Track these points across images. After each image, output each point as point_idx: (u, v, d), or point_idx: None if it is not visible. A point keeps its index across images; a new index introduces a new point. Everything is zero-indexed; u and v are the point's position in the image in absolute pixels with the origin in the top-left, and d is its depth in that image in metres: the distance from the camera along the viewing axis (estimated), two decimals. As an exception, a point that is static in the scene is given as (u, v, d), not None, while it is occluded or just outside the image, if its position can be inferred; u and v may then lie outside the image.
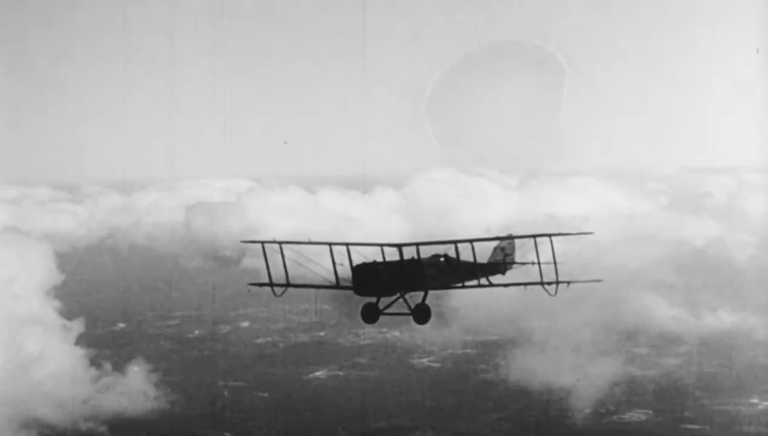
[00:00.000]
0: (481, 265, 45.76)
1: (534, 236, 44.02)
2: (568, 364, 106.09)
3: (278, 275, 46.82)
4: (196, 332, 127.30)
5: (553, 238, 43.74)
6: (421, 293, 44.12)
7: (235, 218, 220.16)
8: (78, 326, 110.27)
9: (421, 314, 44.09)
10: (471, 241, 43.64)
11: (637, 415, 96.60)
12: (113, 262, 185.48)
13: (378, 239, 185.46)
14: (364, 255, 42.16)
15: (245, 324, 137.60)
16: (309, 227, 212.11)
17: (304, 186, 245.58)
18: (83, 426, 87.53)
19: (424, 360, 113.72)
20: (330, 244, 43.19)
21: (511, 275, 46.97)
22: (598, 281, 51.84)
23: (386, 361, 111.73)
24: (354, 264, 42.40)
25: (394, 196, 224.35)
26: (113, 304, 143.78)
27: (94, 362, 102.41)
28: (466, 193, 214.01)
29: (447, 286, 44.44)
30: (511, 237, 47.00)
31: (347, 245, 42.82)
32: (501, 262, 46.99)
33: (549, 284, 43.41)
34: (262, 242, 44.37)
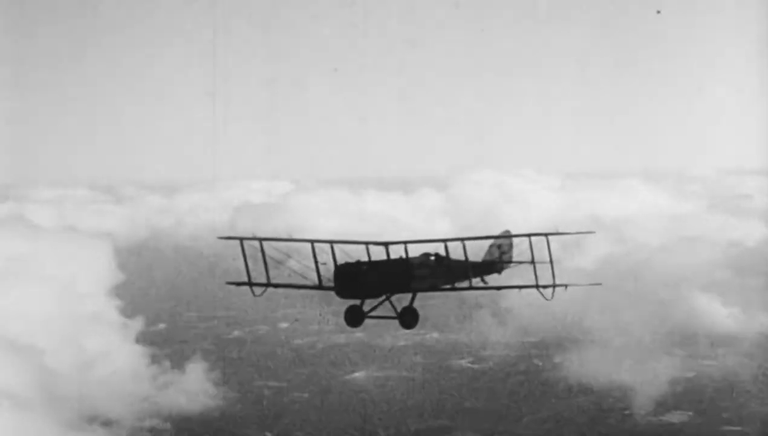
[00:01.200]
0: (475, 264, 42.70)
1: (529, 235, 41.20)
2: (615, 363, 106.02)
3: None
4: (235, 332, 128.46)
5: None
6: (409, 295, 41.31)
7: (280, 218, 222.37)
8: (137, 325, 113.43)
9: (408, 318, 41.09)
10: (462, 239, 40.80)
11: (678, 416, 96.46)
12: (157, 262, 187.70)
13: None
14: (348, 253, 39.32)
15: (284, 325, 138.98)
16: (354, 228, 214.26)
17: (347, 187, 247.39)
18: (146, 423, 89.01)
19: (463, 361, 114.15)
20: (312, 241, 40.48)
21: (508, 275, 44.54)
22: (597, 284, 49.50)
23: (425, 362, 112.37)
24: (338, 263, 39.61)
25: (438, 197, 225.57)
26: (160, 303, 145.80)
27: (154, 360, 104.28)
28: (508, 194, 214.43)
29: (436, 287, 41.33)
30: (506, 236, 44.61)
31: (331, 242, 40.02)
32: (497, 260, 44.21)
33: (545, 287, 40.16)
34: (241, 239, 40.92)
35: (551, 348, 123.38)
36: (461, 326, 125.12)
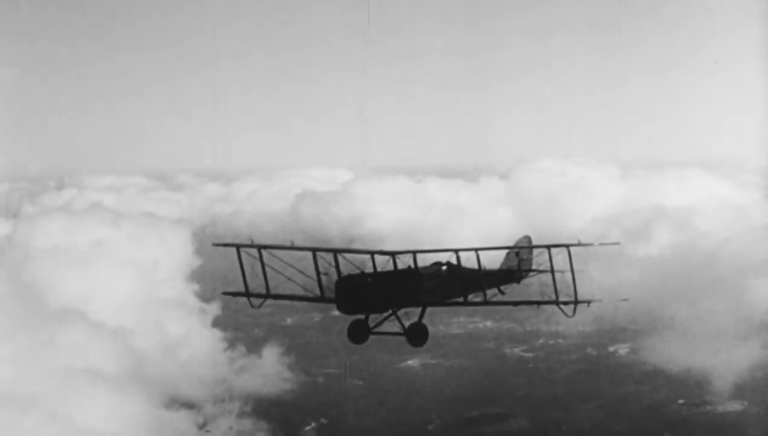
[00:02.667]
0: (490, 273, 39.36)
1: (548, 247, 37.91)
2: (683, 350, 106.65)
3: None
4: (288, 320, 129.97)
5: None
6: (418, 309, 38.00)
7: (342, 207, 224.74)
8: (214, 309, 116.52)
9: (417, 335, 37.97)
10: (476, 249, 37.13)
11: (733, 405, 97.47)
12: (217, 249, 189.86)
13: (486, 230, 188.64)
14: (352, 263, 36.35)
15: (336, 313, 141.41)
16: (416, 217, 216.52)
17: (408, 175, 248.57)
18: (226, 406, 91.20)
19: (516, 350, 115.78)
20: (314, 250, 37.37)
21: (527, 285, 40.26)
22: (624, 299, 46.52)
23: (479, 350, 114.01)
24: (341, 274, 36.35)
25: (500, 185, 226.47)
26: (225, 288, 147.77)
27: (231, 344, 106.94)
28: (570, 183, 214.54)
29: (447, 300, 37.98)
30: (524, 247, 40.28)
31: (334, 251, 36.91)
32: (515, 268, 40.32)
33: (566, 303, 36.90)
34: (237, 246, 38.18)
35: (605, 337, 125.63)
36: (514, 315, 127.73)
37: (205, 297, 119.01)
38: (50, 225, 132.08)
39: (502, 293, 39.62)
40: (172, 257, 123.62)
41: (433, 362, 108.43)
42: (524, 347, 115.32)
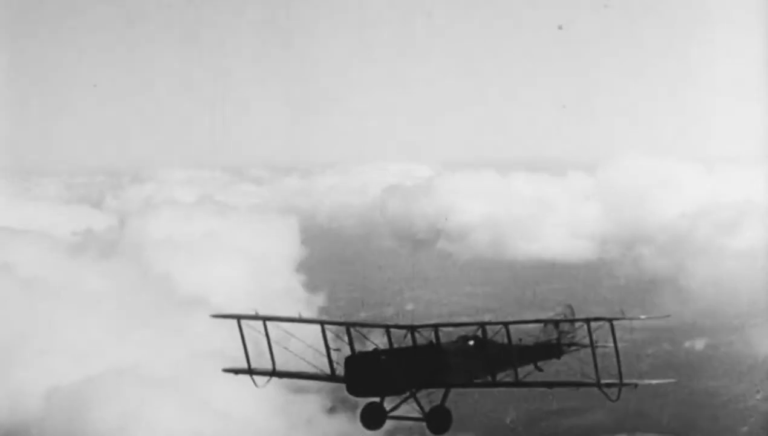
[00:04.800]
0: (526, 348, 34.07)
1: (587, 320, 32.03)
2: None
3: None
4: (362, 314, 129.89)
5: (617, 322, 31.28)
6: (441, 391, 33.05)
7: (427, 201, 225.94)
8: (319, 299, 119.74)
9: (439, 420, 32.35)
10: (506, 323, 32.17)
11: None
12: (321, 240, 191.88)
13: (571, 225, 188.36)
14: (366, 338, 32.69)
15: (409, 307, 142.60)
16: (502, 211, 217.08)
17: (493, 169, 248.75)
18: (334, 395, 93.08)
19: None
20: (323, 323, 33.43)
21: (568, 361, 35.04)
22: (672, 381, 41.80)
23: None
24: (355, 350, 31.99)
25: (587, 181, 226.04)
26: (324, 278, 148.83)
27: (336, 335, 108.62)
28: (657, 178, 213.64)
29: (473, 381, 32.73)
30: (562, 320, 34.32)
31: (347, 325, 32.62)
32: (555, 341, 34.54)
33: (609, 385, 31.22)
34: (238, 317, 33.74)
35: (679, 332, 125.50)
36: (591, 308, 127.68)
37: (310, 287, 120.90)
38: (160, 217, 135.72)
39: (540, 369, 34.25)
40: (280, 247, 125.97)
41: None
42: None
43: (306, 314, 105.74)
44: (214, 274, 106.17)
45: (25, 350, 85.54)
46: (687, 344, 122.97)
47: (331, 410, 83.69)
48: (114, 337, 64.16)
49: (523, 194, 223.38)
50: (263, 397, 75.10)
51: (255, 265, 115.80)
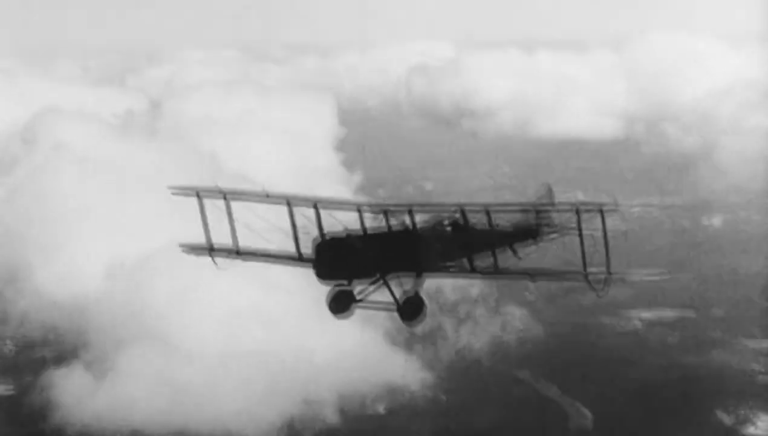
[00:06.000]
0: (505, 232, 31.04)
1: (576, 208, 28.47)
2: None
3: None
4: (380, 192, 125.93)
5: (607, 212, 27.56)
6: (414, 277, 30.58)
7: (453, 80, 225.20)
8: (357, 178, 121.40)
9: (410, 309, 30.16)
10: (486, 206, 29.57)
11: None
12: (357, 118, 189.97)
13: (597, 103, 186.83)
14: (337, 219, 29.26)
15: (429, 187, 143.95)
16: (528, 89, 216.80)
17: (516, 47, 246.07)
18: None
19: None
20: (289, 199, 29.42)
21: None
22: (665, 273, 37.81)
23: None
24: (324, 231, 28.83)
25: (612, 58, 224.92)
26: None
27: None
28: (683, 55, 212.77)
29: (449, 267, 30.40)
30: (547, 206, 31.29)
31: (315, 202, 29.22)
32: (533, 226, 31.45)
33: (595, 275, 28.13)
34: (198, 191, 29.95)
35: (698, 210, 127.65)
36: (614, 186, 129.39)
37: (348, 165, 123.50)
38: (196, 97, 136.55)
39: (519, 256, 31.12)
40: (319, 126, 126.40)
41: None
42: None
43: (345, 194, 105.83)
44: (257, 152, 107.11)
45: (85, 228, 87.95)
46: (705, 220, 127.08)
47: None
48: (169, 214, 65.86)
49: (548, 73, 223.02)
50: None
51: (295, 143, 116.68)
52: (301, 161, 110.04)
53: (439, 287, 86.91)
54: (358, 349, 74.39)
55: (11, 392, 75.88)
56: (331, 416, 70.34)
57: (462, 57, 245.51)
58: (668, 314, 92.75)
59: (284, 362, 71.87)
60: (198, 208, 29.12)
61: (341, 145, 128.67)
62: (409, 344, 79.21)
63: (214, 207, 29.18)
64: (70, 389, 71.71)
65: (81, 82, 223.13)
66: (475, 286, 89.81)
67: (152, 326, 74.49)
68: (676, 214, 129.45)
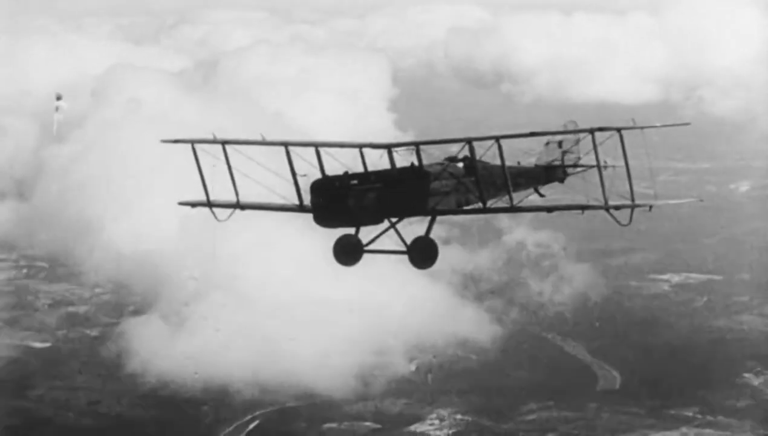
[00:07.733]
0: (524, 170, 29.77)
1: (591, 131, 27.02)
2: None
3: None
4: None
5: (625, 134, 26.06)
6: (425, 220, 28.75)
7: (491, 42, 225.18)
8: (409, 137, 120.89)
9: (422, 252, 28.21)
10: (497, 137, 27.39)
11: None
12: (410, 78, 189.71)
13: (634, 67, 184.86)
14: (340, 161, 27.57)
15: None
16: (566, 52, 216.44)
17: (554, 9, 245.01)
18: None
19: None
20: (286, 144, 27.47)
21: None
22: (698, 199, 37.65)
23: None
24: (322, 176, 26.86)
25: (650, 21, 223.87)
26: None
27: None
28: (721, 19, 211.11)
29: (461, 207, 28.39)
30: (565, 132, 29.52)
31: (315, 145, 27.21)
32: (557, 164, 29.94)
33: (618, 207, 26.53)
34: (192, 142, 28.27)
35: (725, 174, 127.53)
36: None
37: (401, 126, 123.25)
38: (249, 54, 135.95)
39: (542, 194, 29.50)
40: (373, 86, 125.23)
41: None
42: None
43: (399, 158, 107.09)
44: (317, 111, 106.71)
45: (157, 183, 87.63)
46: (732, 185, 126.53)
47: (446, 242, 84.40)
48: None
49: (586, 36, 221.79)
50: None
51: (351, 103, 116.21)
52: (357, 121, 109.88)
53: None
54: (428, 302, 75.48)
55: (95, 334, 78.82)
56: (403, 367, 71.72)
57: (499, 19, 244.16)
58: (696, 277, 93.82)
59: (354, 312, 72.48)
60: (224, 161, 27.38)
61: (393, 106, 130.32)
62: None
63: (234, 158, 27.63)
64: (147, 338, 73.87)
65: (124, 40, 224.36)
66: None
67: (226, 277, 76.02)
68: (704, 179, 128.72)
